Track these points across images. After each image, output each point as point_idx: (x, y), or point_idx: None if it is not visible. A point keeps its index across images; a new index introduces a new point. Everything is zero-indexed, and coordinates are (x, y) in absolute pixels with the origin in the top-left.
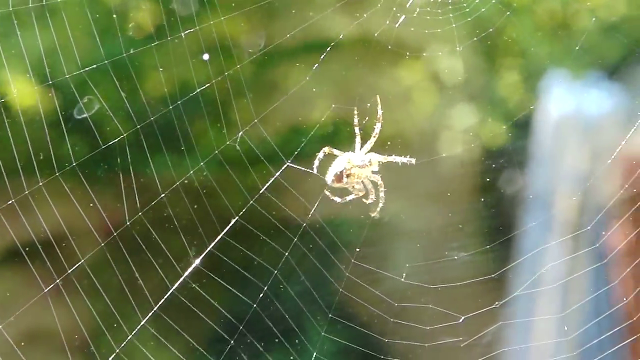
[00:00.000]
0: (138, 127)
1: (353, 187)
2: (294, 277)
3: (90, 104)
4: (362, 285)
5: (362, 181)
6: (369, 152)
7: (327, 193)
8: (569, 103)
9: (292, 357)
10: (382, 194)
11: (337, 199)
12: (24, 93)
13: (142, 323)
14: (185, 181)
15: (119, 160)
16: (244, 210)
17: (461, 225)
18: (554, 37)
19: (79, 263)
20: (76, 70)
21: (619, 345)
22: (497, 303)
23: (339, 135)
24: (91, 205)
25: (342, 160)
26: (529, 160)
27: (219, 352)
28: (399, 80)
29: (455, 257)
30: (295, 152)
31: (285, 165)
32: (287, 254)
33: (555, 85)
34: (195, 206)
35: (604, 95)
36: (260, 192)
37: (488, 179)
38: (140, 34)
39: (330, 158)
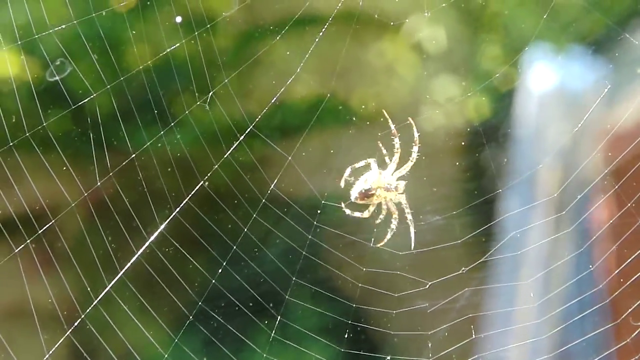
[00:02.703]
0: (108, 87)
1: (373, 205)
2: (268, 240)
3: (62, 67)
4: (330, 250)
5: (387, 204)
6: (400, 177)
7: (346, 210)
8: (552, 77)
9: (266, 321)
10: (410, 218)
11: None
12: None
13: (107, 288)
14: (159, 145)
15: (89, 121)
16: (209, 174)
17: (435, 188)
18: (537, 11)
19: (49, 224)
20: (45, 31)
21: (588, 311)
22: (463, 269)
23: (320, 109)
24: (64, 169)
25: (371, 178)
26: (505, 128)
27: (191, 311)
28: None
29: (423, 223)
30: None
31: (248, 129)
32: (254, 215)
33: (538, 59)
34: (169, 169)
35: (586, 70)
36: (225, 156)
37: (463, 143)
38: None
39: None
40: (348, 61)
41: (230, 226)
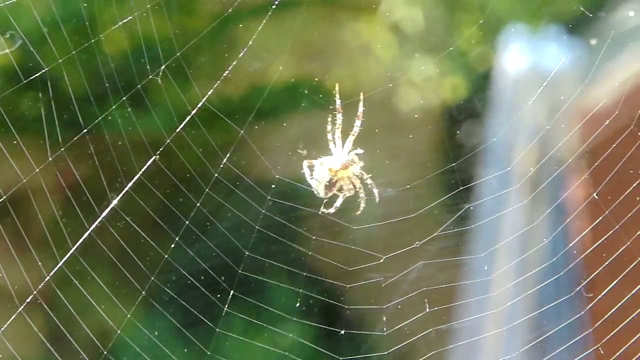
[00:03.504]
0: (60, 60)
1: (342, 189)
2: (220, 215)
3: (12, 40)
4: (284, 224)
5: (350, 181)
6: (350, 150)
7: (323, 210)
8: (528, 57)
9: (219, 295)
10: (369, 182)
11: (332, 210)
12: None
13: (59, 264)
14: (109, 118)
15: (40, 95)
16: (160, 149)
17: (388, 161)
18: None
19: (1, 200)
20: None
21: (544, 284)
22: (417, 243)
23: (296, 91)
24: (14, 142)
25: (324, 169)
26: (472, 106)
27: (143, 286)
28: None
29: (377, 196)
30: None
31: (202, 101)
32: (206, 189)
33: (514, 39)
34: (120, 143)
35: (562, 50)
36: (177, 131)
37: (416, 116)
38: None
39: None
40: (322, 42)
41: (182, 201)
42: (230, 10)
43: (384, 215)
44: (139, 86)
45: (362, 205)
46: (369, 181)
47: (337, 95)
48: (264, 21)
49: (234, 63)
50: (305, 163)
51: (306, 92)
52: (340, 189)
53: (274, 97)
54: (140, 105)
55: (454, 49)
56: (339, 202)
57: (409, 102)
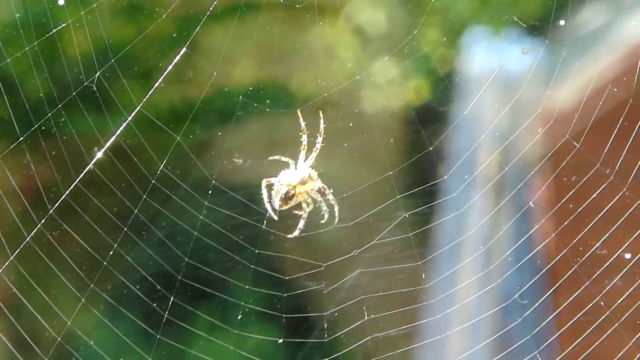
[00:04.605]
0: None
1: (301, 206)
2: (158, 222)
3: None
4: (222, 231)
5: (309, 195)
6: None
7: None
8: (490, 59)
9: (155, 304)
10: (331, 198)
11: (297, 233)
12: None
13: None
14: (43, 128)
15: None
16: (97, 156)
17: (322, 170)
18: None
19: None
20: None
21: (480, 293)
22: (355, 251)
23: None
24: None
25: (284, 180)
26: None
27: (82, 294)
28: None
29: (313, 205)
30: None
31: (136, 109)
32: (144, 196)
33: (476, 41)
34: (53, 153)
35: (523, 52)
36: (112, 139)
37: (351, 124)
38: None
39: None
40: (284, 46)
41: (120, 208)
42: (162, 17)
43: (319, 224)
44: (74, 93)
45: (326, 216)
46: (331, 197)
47: (301, 119)
48: (219, 25)
49: (169, 67)
50: (264, 183)
51: (241, 98)
52: (299, 206)
53: (219, 103)
54: (76, 113)
55: (414, 51)
56: (301, 224)
57: (359, 107)
